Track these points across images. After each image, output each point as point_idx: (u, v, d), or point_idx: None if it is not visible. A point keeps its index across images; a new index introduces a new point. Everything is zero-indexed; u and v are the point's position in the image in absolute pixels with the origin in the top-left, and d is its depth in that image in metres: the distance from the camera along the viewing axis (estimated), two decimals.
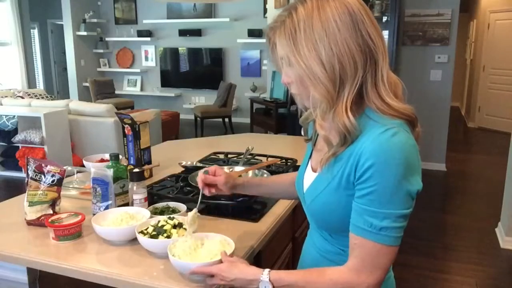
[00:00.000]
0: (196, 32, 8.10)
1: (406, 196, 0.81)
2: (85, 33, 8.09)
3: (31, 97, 5.94)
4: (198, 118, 6.85)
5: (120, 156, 1.42)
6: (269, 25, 0.89)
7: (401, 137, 0.81)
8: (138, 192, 1.33)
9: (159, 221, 1.15)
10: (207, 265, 0.94)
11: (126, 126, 1.73)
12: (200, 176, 1.14)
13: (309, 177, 0.99)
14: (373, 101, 0.84)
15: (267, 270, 0.89)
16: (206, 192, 1.14)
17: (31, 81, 7.96)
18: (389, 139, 0.80)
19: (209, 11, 7.93)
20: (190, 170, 1.69)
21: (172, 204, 1.36)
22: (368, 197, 0.81)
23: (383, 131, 0.81)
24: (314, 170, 0.98)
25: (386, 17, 4.72)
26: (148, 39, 8.39)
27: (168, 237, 1.09)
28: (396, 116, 0.84)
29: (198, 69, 8.26)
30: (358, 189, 0.83)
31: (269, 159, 1.92)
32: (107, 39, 8.64)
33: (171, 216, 1.19)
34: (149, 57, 8.62)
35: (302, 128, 1.07)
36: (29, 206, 1.30)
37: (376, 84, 0.84)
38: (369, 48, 0.82)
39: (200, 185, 1.14)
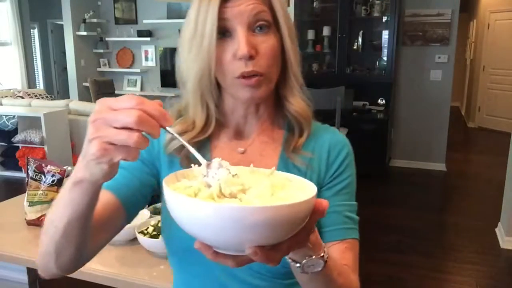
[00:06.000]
0: None
1: None
2: (85, 33, 8.08)
3: (31, 97, 5.94)
4: None
5: None
6: None
7: None
8: None
9: (159, 221, 1.15)
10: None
11: None
12: None
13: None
14: None
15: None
16: None
17: (31, 81, 7.95)
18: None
19: None
20: None
21: None
22: (345, 190, 0.78)
23: (322, 123, 0.82)
24: None
25: (386, 17, 4.72)
26: (148, 39, 8.38)
27: None
28: None
29: None
30: (333, 185, 0.77)
31: None
32: (107, 39, 8.64)
33: None
34: (149, 57, 8.61)
35: (180, 161, 0.76)
36: (29, 206, 1.30)
37: None
38: None
39: None
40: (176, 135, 0.55)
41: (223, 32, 0.70)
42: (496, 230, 3.33)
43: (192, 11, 0.71)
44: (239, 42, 0.68)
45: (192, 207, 0.47)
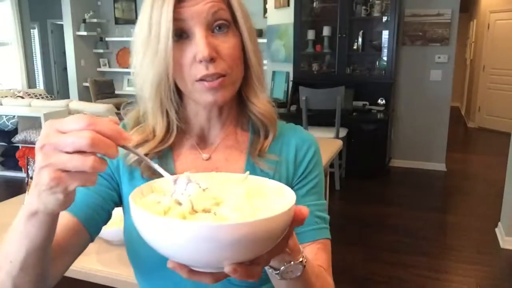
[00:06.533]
0: None
1: None
2: (85, 33, 8.08)
3: (31, 97, 5.94)
4: None
5: None
6: None
7: None
8: None
9: None
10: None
11: None
12: None
13: None
14: None
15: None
16: None
17: (31, 81, 7.95)
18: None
19: None
20: None
21: None
22: (315, 189, 0.76)
23: (286, 122, 0.80)
24: None
25: (386, 17, 4.71)
26: None
27: None
28: None
29: None
30: (302, 185, 0.75)
31: None
32: (107, 39, 8.64)
33: None
34: None
35: (142, 172, 0.73)
36: None
37: None
38: None
39: None
40: (137, 152, 0.51)
41: (180, 34, 0.66)
42: (496, 230, 3.33)
43: (145, 12, 0.66)
44: (198, 44, 0.64)
45: (163, 227, 0.43)
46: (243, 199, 0.50)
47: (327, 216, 0.76)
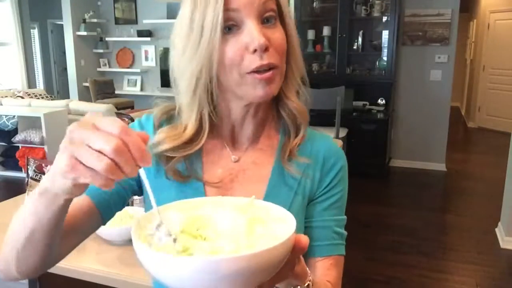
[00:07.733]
0: None
1: None
2: (85, 33, 8.08)
3: (31, 97, 5.94)
4: None
5: None
6: None
7: None
8: None
9: None
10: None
11: None
12: None
13: None
14: None
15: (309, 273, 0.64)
16: None
17: (31, 81, 7.95)
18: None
19: None
20: None
21: None
22: (336, 204, 0.74)
23: (313, 130, 0.79)
24: None
25: (386, 17, 4.72)
26: (148, 39, 8.39)
27: None
28: None
29: None
30: (325, 199, 0.74)
31: None
32: (107, 39, 8.64)
33: None
34: (149, 57, 8.61)
35: (168, 168, 0.71)
36: None
37: None
38: None
39: None
40: (144, 179, 0.50)
41: (229, 27, 0.63)
42: (496, 230, 3.33)
43: (187, 6, 0.65)
44: (253, 33, 0.62)
45: (159, 261, 0.45)
46: (242, 228, 0.50)
47: (345, 233, 0.76)
